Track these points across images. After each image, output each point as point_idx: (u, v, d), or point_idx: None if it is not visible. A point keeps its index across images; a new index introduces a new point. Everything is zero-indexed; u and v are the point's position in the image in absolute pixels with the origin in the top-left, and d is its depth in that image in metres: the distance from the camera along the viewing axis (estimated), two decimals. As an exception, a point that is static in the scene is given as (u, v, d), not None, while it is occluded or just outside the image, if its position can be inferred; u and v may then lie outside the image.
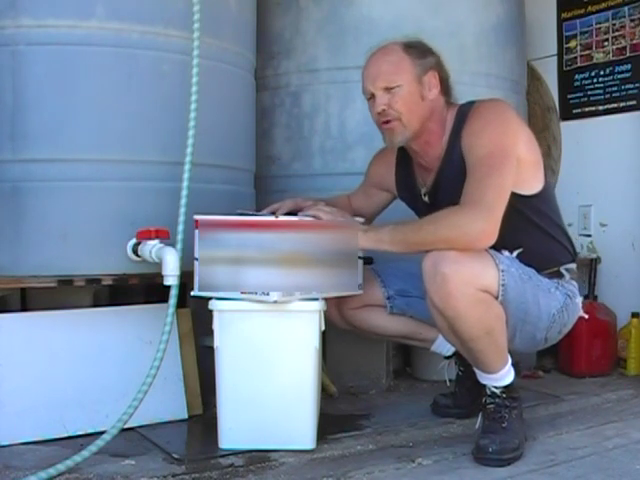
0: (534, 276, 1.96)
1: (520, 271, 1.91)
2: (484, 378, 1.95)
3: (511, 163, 1.86)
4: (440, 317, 1.85)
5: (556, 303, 1.99)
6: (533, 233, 2.00)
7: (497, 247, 1.86)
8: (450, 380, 2.34)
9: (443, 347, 2.26)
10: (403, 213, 2.22)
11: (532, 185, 1.97)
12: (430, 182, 2.06)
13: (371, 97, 1.97)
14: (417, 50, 1.98)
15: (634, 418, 2.26)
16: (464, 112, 1.98)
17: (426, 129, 1.98)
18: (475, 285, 1.79)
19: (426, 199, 2.08)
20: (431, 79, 1.97)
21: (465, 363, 2.21)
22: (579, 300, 2.08)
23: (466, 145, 1.91)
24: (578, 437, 2.07)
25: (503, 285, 1.84)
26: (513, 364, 1.97)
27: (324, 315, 1.94)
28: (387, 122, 1.95)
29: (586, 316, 2.16)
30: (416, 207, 2.18)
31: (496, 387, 1.93)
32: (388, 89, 1.93)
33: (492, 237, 1.79)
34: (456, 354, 2.24)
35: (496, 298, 1.85)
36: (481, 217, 1.78)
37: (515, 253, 1.96)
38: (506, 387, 1.93)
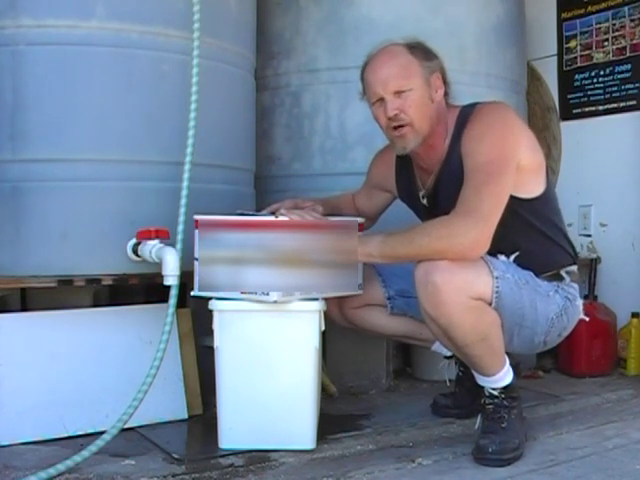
0: (532, 280, 1.95)
1: (516, 276, 1.90)
2: (482, 380, 1.95)
3: (510, 170, 1.84)
4: (434, 325, 1.85)
5: (555, 307, 1.98)
6: (532, 236, 1.99)
7: (494, 251, 1.85)
8: (450, 380, 2.34)
9: (443, 347, 2.25)
10: (407, 213, 2.22)
11: (533, 189, 1.95)
12: (430, 185, 2.05)
13: (378, 101, 1.93)
14: (421, 52, 1.95)
15: (634, 418, 2.26)
16: (465, 115, 1.96)
17: (431, 132, 1.96)
18: (467, 293, 1.78)
19: (424, 202, 2.07)
20: (436, 81, 1.95)
21: (465, 364, 2.21)
22: (579, 303, 2.07)
23: (465, 149, 1.89)
24: (578, 437, 2.07)
25: (497, 292, 1.83)
26: (513, 365, 1.97)
27: (324, 313, 1.94)
28: (398, 128, 1.91)
29: (587, 318, 2.15)
30: (416, 208, 2.18)
31: (494, 389, 1.93)
32: (399, 93, 1.89)
33: (485, 247, 1.78)
34: (456, 354, 2.24)
35: (489, 304, 1.84)
36: (475, 227, 1.76)
37: (512, 257, 1.94)
38: (505, 388, 1.93)
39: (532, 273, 1.96)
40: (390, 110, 1.90)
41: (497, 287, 1.83)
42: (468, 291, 1.78)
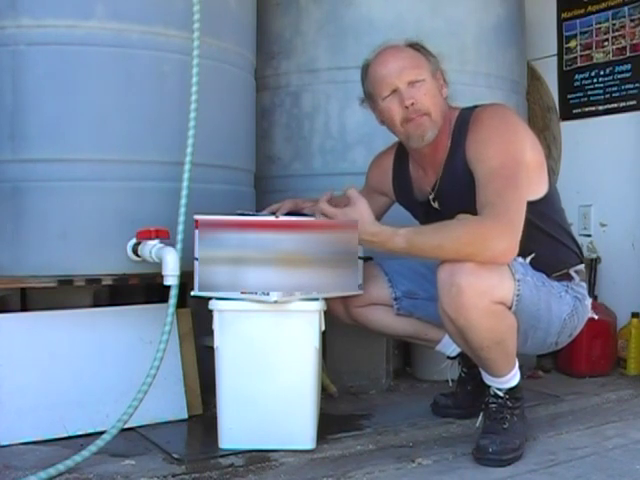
0: (546, 281, 1.95)
1: (534, 278, 1.90)
2: (490, 380, 1.95)
3: (524, 172, 1.84)
4: (451, 325, 1.84)
5: (567, 307, 1.98)
6: (540, 239, 1.98)
7: None
8: (452, 380, 2.33)
9: (448, 348, 2.25)
10: (407, 214, 2.22)
11: (538, 189, 1.95)
12: (431, 187, 2.05)
13: (392, 93, 1.92)
14: (423, 49, 1.98)
15: (634, 418, 2.26)
16: (465, 117, 1.96)
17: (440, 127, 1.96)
18: (490, 297, 1.78)
19: (436, 205, 2.06)
20: (440, 78, 1.98)
21: (468, 365, 2.21)
22: (588, 302, 2.07)
23: (473, 155, 1.88)
24: (578, 437, 2.07)
25: (518, 295, 1.83)
26: (519, 366, 1.96)
27: (330, 311, 1.93)
28: (415, 118, 1.91)
29: (596, 317, 2.15)
30: (414, 211, 2.18)
31: (500, 389, 1.93)
32: (412, 83, 1.90)
33: (515, 252, 1.78)
34: (460, 355, 2.24)
35: (509, 308, 1.83)
36: (505, 233, 1.75)
37: (528, 259, 1.94)
38: (510, 389, 1.93)
39: (544, 274, 1.96)
40: (407, 99, 1.89)
41: (518, 290, 1.83)
42: (490, 295, 1.78)
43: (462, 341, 1.88)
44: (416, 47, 1.97)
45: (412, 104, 1.90)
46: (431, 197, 2.07)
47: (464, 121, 1.96)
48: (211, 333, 1.91)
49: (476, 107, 1.99)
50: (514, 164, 1.83)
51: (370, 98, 2.01)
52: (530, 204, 1.89)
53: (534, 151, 1.94)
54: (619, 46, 3.14)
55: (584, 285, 2.07)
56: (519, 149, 1.87)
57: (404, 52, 1.96)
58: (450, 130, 1.98)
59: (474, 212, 1.81)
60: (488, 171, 1.83)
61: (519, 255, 1.88)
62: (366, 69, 2.00)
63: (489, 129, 1.89)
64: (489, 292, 1.77)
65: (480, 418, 2.01)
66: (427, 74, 1.93)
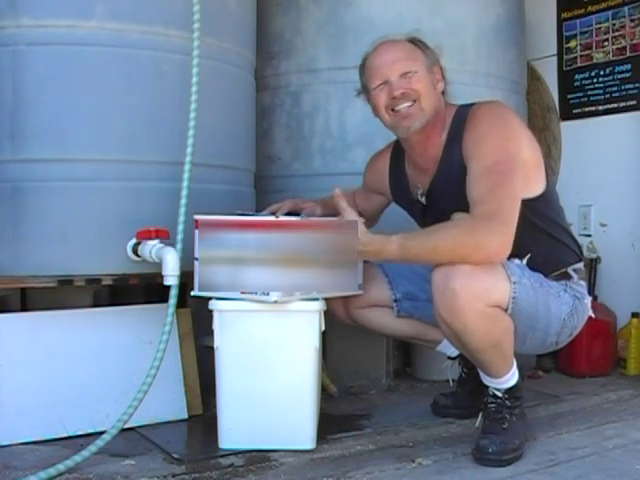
0: (544, 282, 1.94)
1: (532, 280, 1.89)
2: (488, 380, 1.95)
3: (519, 169, 1.84)
4: (447, 328, 1.84)
5: (566, 307, 1.97)
6: (538, 238, 1.98)
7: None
8: (453, 380, 2.33)
9: (448, 348, 2.25)
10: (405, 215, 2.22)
11: (535, 187, 1.95)
12: (426, 184, 2.05)
13: (382, 84, 1.93)
14: (422, 43, 2.00)
15: (634, 418, 2.26)
16: (462, 115, 1.96)
17: (432, 121, 1.96)
18: (485, 301, 1.77)
19: (423, 200, 2.07)
20: (437, 73, 1.98)
21: (469, 365, 2.21)
22: (588, 300, 2.06)
23: (469, 152, 1.88)
24: (578, 437, 2.07)
25: (514, 298, 1.82)
26: (519, 367, 1.96)
27: (330, 312, 1.93)
28: (404, 108, 1.91)
29: (594, 315, 2.15)
30: (411, 210, 2.17)
31: (498, 389, 1.93)
32: (404, 74, 1.91)
33: (508, 250, 1.77)
34: (461, 355, 2.23)
35: (505, 311, 1.83)
36: (499, 232, 1.75)
37: (525, 260, 1.94)
38: (509, 389, 1.93)
39: (541, 274, 1.96)
40: (396, 89, 1.90)
41: (514, 293, 1.82)
42: (486, 299, 1.77)
43: (458, 343, 1.88)
44: (414, 41, 1.99)
45: (402, 93, 1.91)
46: (420, 192, 2.07)
47: (461, 118, 1.96)
48: (211, 333, 1.91)
49: (473, 104, 1.99)
50: (509, 161, 1.83)
51: (365, 90, 2.02)
52: (527, 201, 1.89)
53: (531, 149, 1.93)
54: (619, 46, 3.14)
55: (583, 284, 2.07)
56: (515, 146, 1.87)
57: (400, 45, 1.97)
58: (446, 127, 1.99)
59: (467, 209, 1.81)
60: (483, 167, 1.83)
61: (516, 255, 1.88)
62: (363, 62, 2.01)
63: (486, 126, 1.89)
64: (484, 295, 1.77)
65: (479, 418, 2.01)
66: (421, 67, 1.94)
